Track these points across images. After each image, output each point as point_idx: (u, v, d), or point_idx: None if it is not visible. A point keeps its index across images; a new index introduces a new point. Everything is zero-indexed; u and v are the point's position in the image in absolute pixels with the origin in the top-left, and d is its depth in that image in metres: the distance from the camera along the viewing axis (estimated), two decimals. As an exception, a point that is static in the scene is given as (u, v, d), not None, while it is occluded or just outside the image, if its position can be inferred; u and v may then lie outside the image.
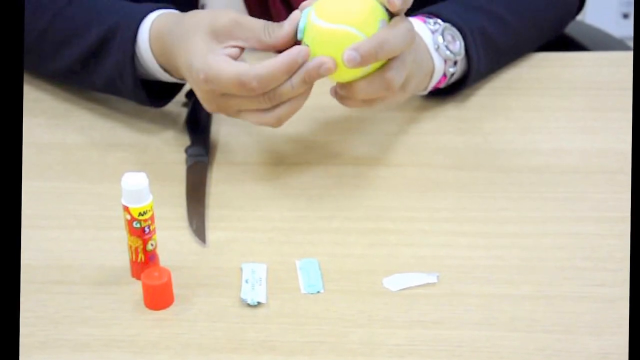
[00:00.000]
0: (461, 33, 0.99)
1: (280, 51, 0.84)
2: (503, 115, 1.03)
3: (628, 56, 1.15)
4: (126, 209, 0.77)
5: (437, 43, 0.96)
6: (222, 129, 1.00)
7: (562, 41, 1.23)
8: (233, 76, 0.83)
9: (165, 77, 0.95)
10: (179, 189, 0.91)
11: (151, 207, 0.78)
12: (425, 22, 0.97)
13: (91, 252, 0.84)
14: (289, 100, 0.85)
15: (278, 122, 0.86)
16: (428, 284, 0.79)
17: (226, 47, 0.85)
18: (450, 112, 1.02)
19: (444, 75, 0.98)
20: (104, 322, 0.76)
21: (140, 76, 0.95)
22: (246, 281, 0.79)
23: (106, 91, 1.00)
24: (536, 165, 0.94)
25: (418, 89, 0.95)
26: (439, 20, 0.98)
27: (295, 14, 0.85)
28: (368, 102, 0.87)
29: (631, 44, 1.25)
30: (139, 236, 0.78)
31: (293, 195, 0.90)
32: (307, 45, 0.84)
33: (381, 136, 0.98)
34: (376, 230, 0.86)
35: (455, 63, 0.98)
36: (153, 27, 0.93)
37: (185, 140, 0.97)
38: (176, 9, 0.98)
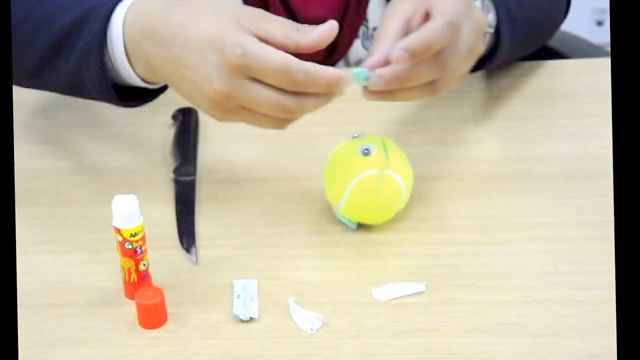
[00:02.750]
0: (494, 6, 0.96)
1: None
2: (484, 124, 1.04)
3: (605, 62, 1.17)
4: (118, 230, 0.79)
5: None
6: (210, 148, 1.01)
7: (540, 49, 1.24)
8: (280, 61, 0.77)
9: (127, 70, 0.87)
10: (169, 208, 0.92)
11: (142, 228, 0.79)
12: None
13: (84, 275, 0.85)
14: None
15: (284, 125, 0.82)
16: (417, 293, 0.81)
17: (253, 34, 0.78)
18: (432, 124, 1.04)
19: None
20: (100, 343, 0.77)
21: (108, 69, 0.87)
22: (238, 297, 0.80)
23: (71, 89, 0.92)
24: (518, 173, 0.96)
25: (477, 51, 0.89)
26: None
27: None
28: (430, 85, 0.83)
29: (609, 50, 1.27)
30: (131, 257, 0.79)
31: (281, 210, 0.92)
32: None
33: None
34: (364, 242, 0.87)
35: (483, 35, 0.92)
36: (135, 5, 0.85)
37: (173, 161, 0.99)
38: None
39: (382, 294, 0.81)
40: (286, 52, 0.78)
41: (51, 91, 1.00)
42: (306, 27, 0.80)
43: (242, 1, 1.10)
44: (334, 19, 1.10)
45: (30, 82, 0.97)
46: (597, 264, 0.83)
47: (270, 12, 1.06)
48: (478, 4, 0.94)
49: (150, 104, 0.94)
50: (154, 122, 1.06)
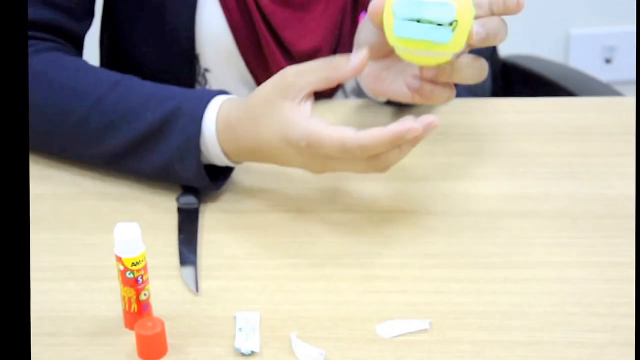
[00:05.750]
0: None
1: None
2: (491, 161, 1.04)
3: (613, 101, 1.17)
4: (119, 259, 0.78)
5: None
6: (213, 177, 1.00)
7: (548, 86, 1.24)
8: (337, 142, 0.84)
9: (223, 161, 0.94)
10: (171, 237, 0.91)
11: (144, 257, 0.78)
12: None
13: (84, 303, 0.84)
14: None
15: (384, 170, 0.88)
16: (421, 331, 0.80)
17: (300, 101, 0.87)
18: (438, 159, 1.03)
19: None
20: (98, 373, 0.76)
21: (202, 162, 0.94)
22: (240, 330, 0.79)
23: (156, 177, 0.97)
24: (524, 211, 0.95)
25: None
26: None
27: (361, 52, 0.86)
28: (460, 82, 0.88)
29: (617, 88, 1.27)
30: (132, 286, 0.79)
31: (285, 242, 0.91)
32: (454, 25, 0.82)
33: (371, 183, 0.99)
34: (368, 277, 0.86)
35: None
36: (221, 111, 0.92)
37: (177, 189, 0.98)
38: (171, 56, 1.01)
39: (386, 331, 0.80)
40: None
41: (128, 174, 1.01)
42: (339, 60, 0.87)
43: (234, 40, 1.10)
44: (327, 49, 1.12)
45: (104, 166, 1.01)
46: (602, 306, 0.82)
47: (263, 48, 1.09)
48: None
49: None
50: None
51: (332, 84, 0.88)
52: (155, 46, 1.12)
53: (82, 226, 0.94)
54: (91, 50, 1.19)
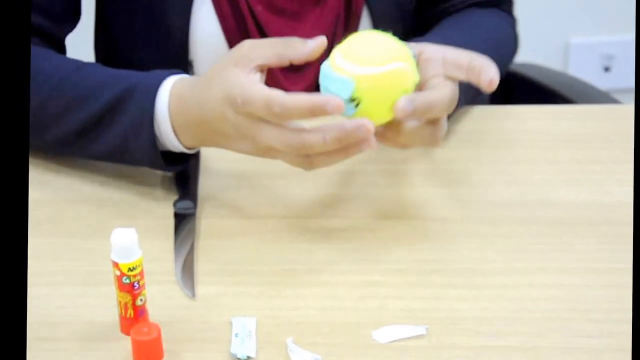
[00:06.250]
0: None
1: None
2: (490, 167, 1.04)
3: (611, 109, 1.17)
4: (115, 264, 0.78)
5: None
6: (211, 182, 1.00)
7: (548, 94, 1.24)
8: (262, 97, 0.85)
9: (173, 142, 0.94)
10: (168, 243, 0.91)
11: (140, 263, 0.78)
12: None
13: (80, 308, 0.84)
14: (322, 153, 0.86)
15: (310, 166, 0.88)
16: (417, 336, 0.80)
17: (250, 71, 0.87)
18: (438, 165, 1.03)
19: None
20: (94, 378, 0.76)
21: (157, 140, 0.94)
22: (236, 335, 0.79)
23: (112, 157, 0.98)
24: (522, 217, 0.95)
25: None
26: None
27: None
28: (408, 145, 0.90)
29: (615, 96, 1.27)
30: (128, 292, 0.78)
31: (282, 248, 0.91)
32: (356, 101, 0.83)
33: (370, 189, 0.99)
34: (365, 283, 0.86)
35: None
36: (175, 86, 0.93)
37: (174, 194, 0.98)
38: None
39: (382, 336, 0.80)
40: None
41: (86, 158, 1.02)
42: (296, 41, 0.89)
43: (228, 48, 1.10)
44: (320, 58, 1.11)
45: (62, 150, 1.02)
46: (599, 312, 0.82)
47: None
48: None
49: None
50: (157, 156, 1.05)
51: (285, 62, 0.89)
52: (150, 52, 1.12)
53: (79, 231, 0.94)
54: (87, 56, 1.20)
